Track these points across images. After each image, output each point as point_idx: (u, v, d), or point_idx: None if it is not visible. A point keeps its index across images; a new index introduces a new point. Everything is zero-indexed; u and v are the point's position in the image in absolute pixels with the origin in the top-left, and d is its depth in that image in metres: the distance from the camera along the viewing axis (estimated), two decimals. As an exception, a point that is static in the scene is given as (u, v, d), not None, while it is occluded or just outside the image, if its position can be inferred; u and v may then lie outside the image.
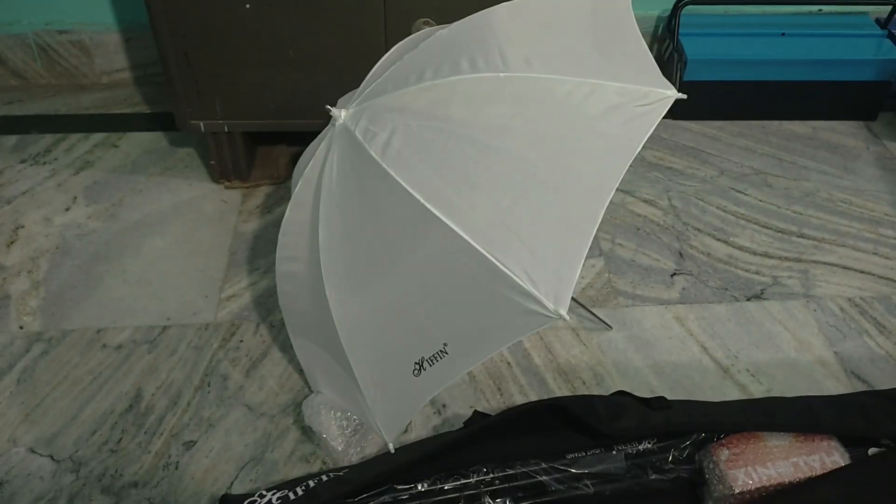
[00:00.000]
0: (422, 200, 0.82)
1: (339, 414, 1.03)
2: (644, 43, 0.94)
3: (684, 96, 0.88)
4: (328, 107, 0.92)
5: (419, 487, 0.93)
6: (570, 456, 0.95)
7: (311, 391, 1.10)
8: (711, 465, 0.89)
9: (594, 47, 0.93)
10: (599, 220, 0.80)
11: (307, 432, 1.05)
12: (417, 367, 0.92)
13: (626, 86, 0.86)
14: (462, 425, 1.03)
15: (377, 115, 0.88)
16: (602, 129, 0.85)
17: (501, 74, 0.86)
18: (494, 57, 0.87)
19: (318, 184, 0.93)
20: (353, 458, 1.02)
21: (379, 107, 0.89)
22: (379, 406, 1.00)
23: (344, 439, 1.02)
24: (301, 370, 1.12)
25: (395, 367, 0.94)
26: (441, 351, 0.90)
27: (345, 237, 0.92)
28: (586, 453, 0.95)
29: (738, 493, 0.85)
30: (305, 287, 1.00)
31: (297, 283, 1.02)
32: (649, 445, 0.95)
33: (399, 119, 0.87)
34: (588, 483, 0.93)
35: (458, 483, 0.94)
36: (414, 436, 1.05)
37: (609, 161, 0.83)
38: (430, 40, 0.93)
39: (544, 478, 0.93)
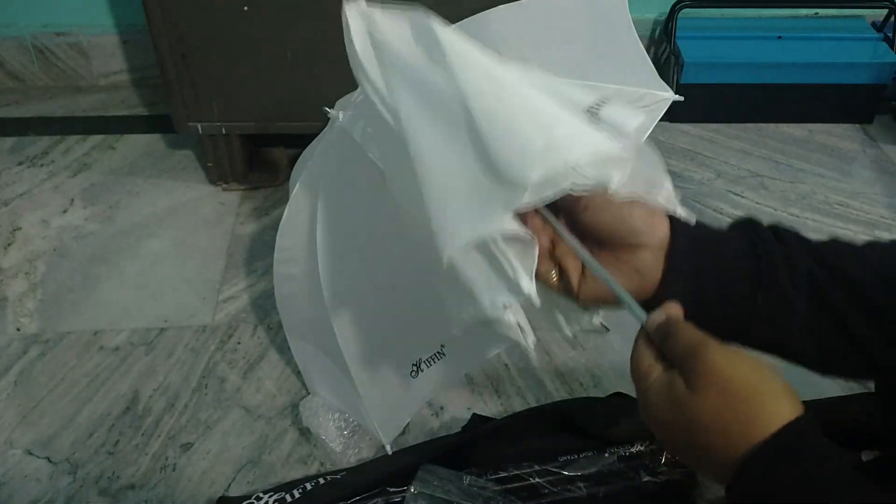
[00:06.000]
0: (419, 202, 0.82)
1: (337, 415, 1.03)
2: (641, 45, 0.95)
3: (681, 98, 0.88)
4: (326, 108, 0.92)
5: (412, 490, 0.93)
6: (562, 458, 0.95)
7: (309, 393, 1.10)
8: (705, 468, 0.89)
9: (591, 49, 0.93)
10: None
11: (305, 434, 1.05)
12: (415, 368, 0.92)
13: (622, 88, 0.86)
14: (461, 429, 1.03)
15: (376, 117, 0.88)
16: (599, 131, 0.85)
17: (499, 76, 0.86)
18: (492, 59, 0.87)
19: (317, 186, 0.93)
20: (352, 459, 1.02)
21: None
22: (376, 407, 1.00)
23: (342, 441, 1.02)
24: (299, 372, 1.12)
25: (392, 368, 0.94)
26: (438, 352, 0.91)
27: (343, 239, 0.92)
28: (579, 455, 0.95)
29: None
30: (303, 289, 1.00)
31: (294, 284, 1.02)
32: (642, 448, 0.95)
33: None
34: (581, 485, 0.93)
35: (453, 486, 0.94)
36: (411, 438, 1.05)
37: (606, 163, 0.83)
38: (427, 43, 0.93)
39: (537, 480, 0.93)
